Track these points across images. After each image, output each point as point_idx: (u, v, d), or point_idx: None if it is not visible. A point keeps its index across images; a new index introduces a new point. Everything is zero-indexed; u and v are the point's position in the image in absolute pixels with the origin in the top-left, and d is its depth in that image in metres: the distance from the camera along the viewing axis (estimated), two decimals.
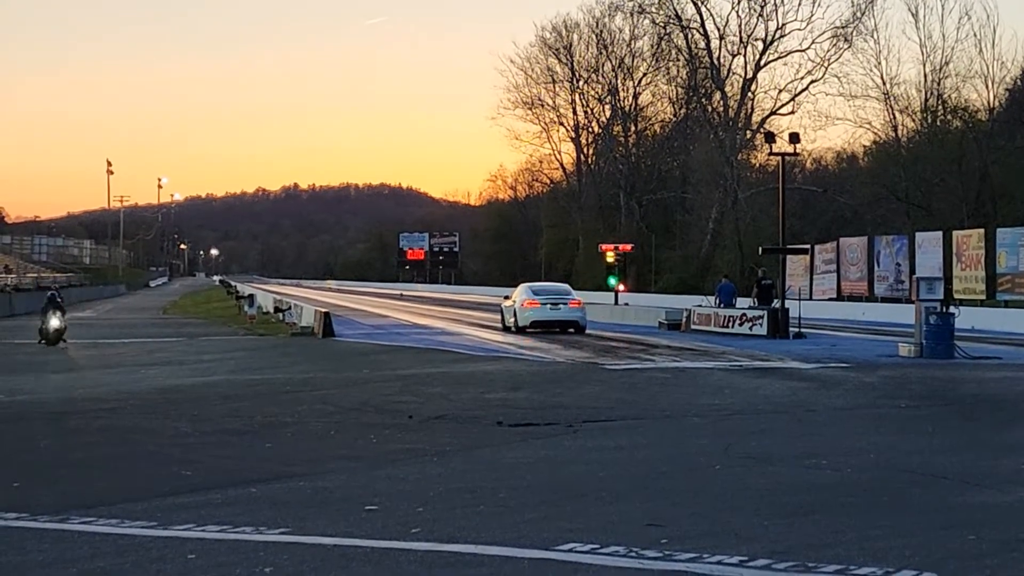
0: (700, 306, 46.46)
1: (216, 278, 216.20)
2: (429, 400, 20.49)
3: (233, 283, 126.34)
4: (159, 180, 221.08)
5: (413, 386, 22.98)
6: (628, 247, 70.59)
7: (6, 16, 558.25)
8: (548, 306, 42.82)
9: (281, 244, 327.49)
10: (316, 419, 18.04)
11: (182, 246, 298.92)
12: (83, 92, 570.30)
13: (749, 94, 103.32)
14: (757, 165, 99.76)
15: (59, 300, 41.11)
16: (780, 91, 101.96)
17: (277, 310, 54.52)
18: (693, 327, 44.12)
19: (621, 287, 64.58)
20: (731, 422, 17.61)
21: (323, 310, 44.37)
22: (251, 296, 61.53)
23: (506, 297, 47.01)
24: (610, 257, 66.04)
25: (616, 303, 60.66)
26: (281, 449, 15.21)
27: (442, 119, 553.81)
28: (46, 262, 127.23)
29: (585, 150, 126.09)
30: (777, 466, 13.42)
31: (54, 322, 38.91)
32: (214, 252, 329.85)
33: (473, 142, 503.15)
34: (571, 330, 42.28)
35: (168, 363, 30.80)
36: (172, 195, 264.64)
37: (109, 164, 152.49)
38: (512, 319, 43.74)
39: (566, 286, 48.32)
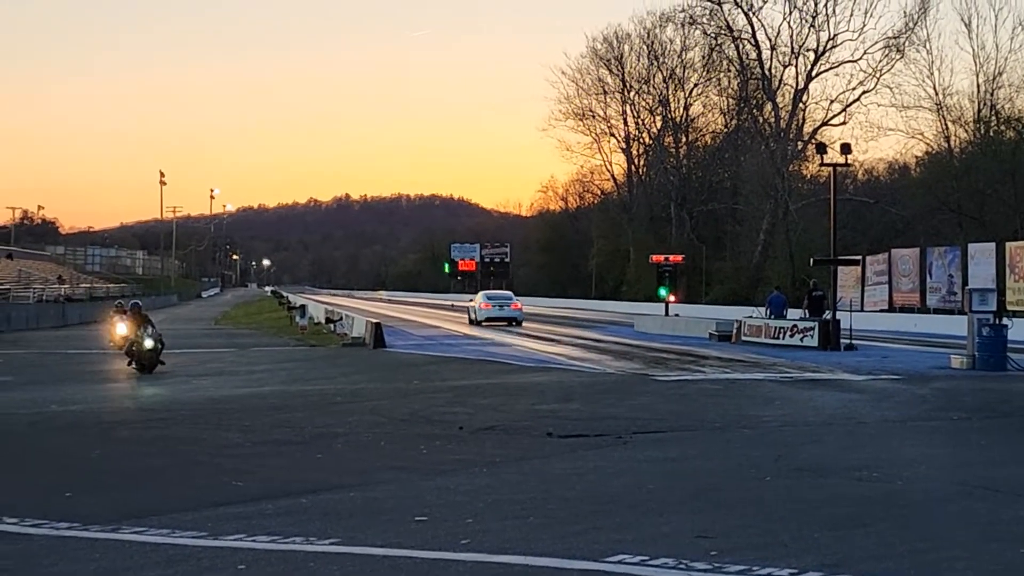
0: (751, 317, 46.19)
1: (268, 289, 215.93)
2: (479, 411, 20.39)
3: (285, 294, 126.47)
4: (211, 191, 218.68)
5: (463, 397, 22.93)
6: (679, 258, 70.35)
7: (60, 28, 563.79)
8: (496, 307, 61.80)
9: (333, 255, 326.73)
10: (367, 430, 18.01)
11: (234, 257, 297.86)
12: (136, 103, 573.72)
13: (800, 105, 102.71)
14: (808, 176, 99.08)
15: (145, 312, 33.38)
16: (832, 102, 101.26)
17: (328, 321, 54.62)
18: (744, 338, 43.90)
19: (672, 298, 64.30)
20: (782, 434, 17.47)
21: (374, 321, 44.49)
22: (302, 307, 61.27)
23: (470, 300, 68.49)
24: (661, 268, 65.90)
25: (667, 314, 60.44)
26: (331, 460, 15.23)
27: (494, 130, 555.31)
28: (99, 272, 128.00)
29: (636, 161, 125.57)
30: (828, 478, 13.31)
31: (148, 342, 31.30)
32: (266, 263, 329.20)
33: (524, 153, 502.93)
34: (512, 323, 59.72)
35: (220, 373, 30.88)
36: (224, 206, 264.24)
37: (162, 175, 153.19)
38: (474, 316, 62.39)
39: (509, 293, 69.44)
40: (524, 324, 60.57)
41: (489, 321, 60.41)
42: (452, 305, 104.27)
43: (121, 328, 34.15)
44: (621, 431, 17.49)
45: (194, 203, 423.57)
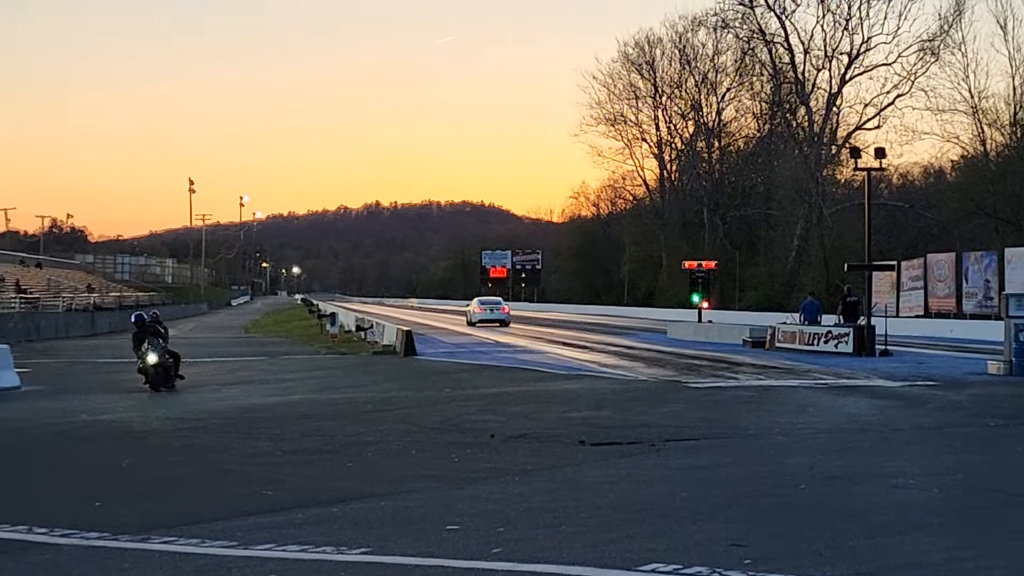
0: (785, 323, 45.94)
1: (298, 297, 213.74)
2: (511, 419, 20.20)
3: (315, 301, 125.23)
4: (241, 198, 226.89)
5: (495, 405, 22.76)
6: (712, 264, 70.26)
7: (89, 35, 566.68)
8: (488, 310, 71.45)
9: (363, 262, 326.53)
10: (397, 438, 17.90)
11: (263, 264, 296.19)
12: (166, 111, 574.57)
13: (834, 109, 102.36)
14: (843, 180, 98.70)
15: (151, 324, 29.37)
16: (866, 105, 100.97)
17: (359, 328, 54.32)
18: (778, 345, 43.67)
19: (705, 304, 64.21)
20: (816, 441, 17.31)
21: (404, 328, 44.41)
22: (332, 315, 61.20)
23: (467, 304, 79.38)
24: (694, 274, 65.66)
25: (699, 320, 60.42)
26: (362, 468, 15.15)
27: (525, 136, 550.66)
28: (128, 281, 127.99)
29: (668, 166, 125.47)
30: (862, 485, 13.19)
31: (151, 356, 28.39)
32: (296, 270, 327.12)
33: (555, 159, 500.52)
34: (500, 324, 68.35)
35: (250, 382, 30.74)
36: (254, 213, 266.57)
37: (191, 182, 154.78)
38: (470, 318, 71.29)
39: (499, 298, 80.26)
40: (557, 331, 61.83)
41: (482, 322, 70.00)
42: None
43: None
44: (654, 439, 17.32)
45: (223, 211, 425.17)
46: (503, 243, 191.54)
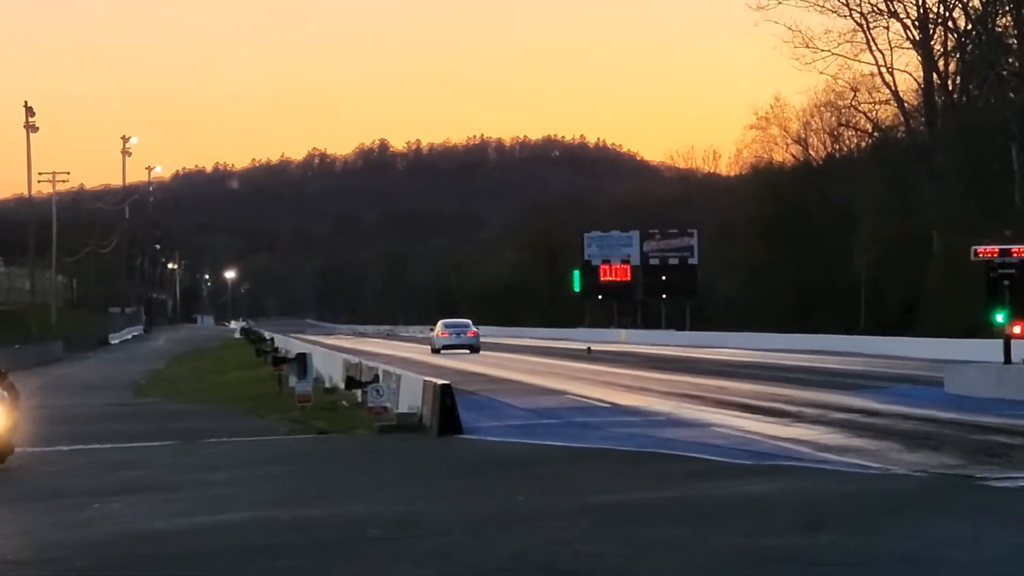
0: None
1: (236, 324, 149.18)
2: (646, 553, 13.12)
3: (267, 335, 79.76)
4: (124, 141, 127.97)
5: (615, 526, 14.92)
6: None
7: None
8: (454, 335, 67.00)
9: (356, 256, 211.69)
10: None
11: (170, 266, 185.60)
12: None
13: None
14: None
15: None
16: None
17: (352, 383, 35.52)
18: None
19: (1018, 328, 39.61)
20: None
21: (439, 382, 29.82)
22: (302, 358, 38.32)
23: (431, 329, 75.93)
24: (997, 269, 40.77)
25: (1008, 360, 39.27)
26: None
27: (653, 27, 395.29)
28: None
29: (941, 66, 77.81)
30: None
31: None
32: (230, 276, 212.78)
33: (716, 64, 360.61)
34: (467, 351, 64.36)
35: (146, 488, 20.42)
36: (149, 169, 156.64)
37: (29, 117, 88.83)
38: (434, 345, 67.67)
39: (467, 321, 73.27)
40: (728, 382, 42.33)
41: (446, 349, 65.12)
42: (589, 349, 69.54)
43: None
44: None
45: (92, 166, 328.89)
46: (624, 215, 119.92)
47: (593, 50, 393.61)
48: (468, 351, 64.74)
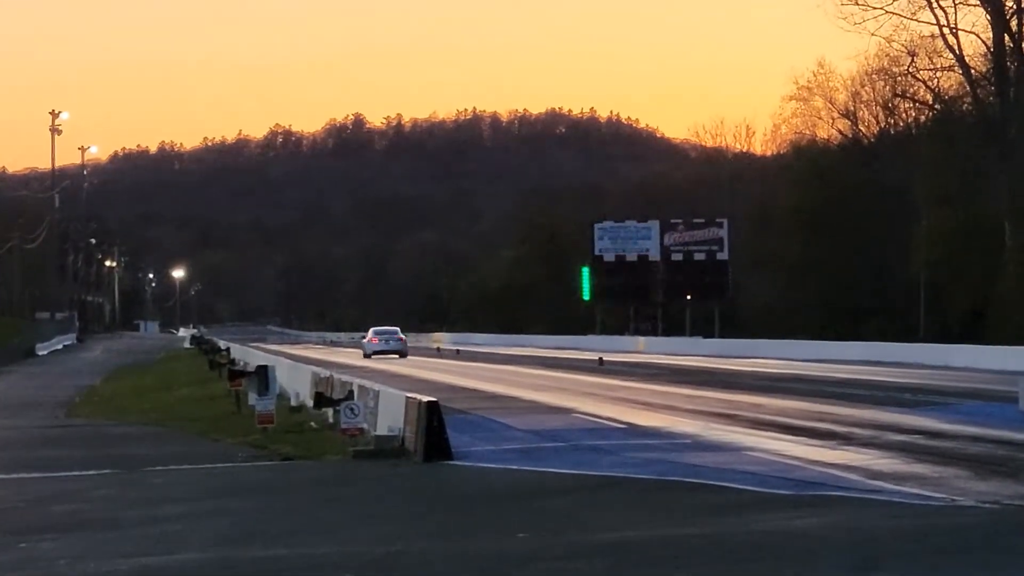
0: None
1: (185, 332, 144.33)
2: None
3: (221, 344, 76.42)
4: (52, 117, 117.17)
5: (634, 569, 13.96)
6: None
7: None
8: (383, 341, 73.32)
9: (324, 256, 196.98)
10: None
11: (108, 264, 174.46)
12: None
13: None
14: None
15: None
16: None
17: (321, 400, 32.75)
18: None
19: None
20: None
21: (424, 399, 27.39)
22: (262, 371, 34.62)
23: (363, 336, 79.19)
24: None
25: None
26: None
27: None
28: None
29: (1013, 26, 69.60)
30: None
31: None
32: (178, 275, 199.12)
33: (745, 35, 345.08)
34: (396, 355, 71.14)
35: (82, 525, 18.60)
36: (83, 149, 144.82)
37: None
38: (364, 351, 73.37)
39: (396, 328, 78.91)
40: (764, 399, 39.27)
41: (377, 354, 71.64)
42: (600, 360, 64.43)
43: None
44: None
45: (15, 146, 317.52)
46: (639, 204, 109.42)
47: (604, 9, 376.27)
48: (397, 356, 71.68)
